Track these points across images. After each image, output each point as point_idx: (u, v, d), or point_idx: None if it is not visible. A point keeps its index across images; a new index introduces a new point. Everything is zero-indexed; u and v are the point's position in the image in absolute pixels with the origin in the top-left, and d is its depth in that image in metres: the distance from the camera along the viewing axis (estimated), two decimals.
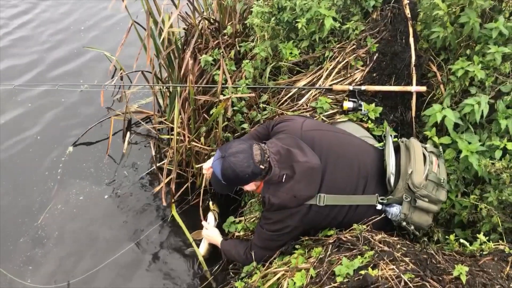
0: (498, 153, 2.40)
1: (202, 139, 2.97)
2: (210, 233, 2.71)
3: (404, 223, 2.20)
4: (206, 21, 3.25)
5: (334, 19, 2.71)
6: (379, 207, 2.21)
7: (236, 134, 2.91)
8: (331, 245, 1.93)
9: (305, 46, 2.82)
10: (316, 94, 2.76)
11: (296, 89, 2.78)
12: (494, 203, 2.30)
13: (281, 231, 2.16)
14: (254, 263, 2.26)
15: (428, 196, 2.17)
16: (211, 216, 2.87)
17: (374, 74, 2.72)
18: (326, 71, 2.79)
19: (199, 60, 3.04)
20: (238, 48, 2.99)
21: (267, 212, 2.17)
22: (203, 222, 2.84)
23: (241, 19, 3.19)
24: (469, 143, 2.48)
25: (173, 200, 3.01)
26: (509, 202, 2.26)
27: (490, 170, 2.31)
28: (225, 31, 3.10)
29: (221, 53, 3.05)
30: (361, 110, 2.65)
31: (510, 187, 2.28)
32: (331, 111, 2.68)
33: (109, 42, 5.08)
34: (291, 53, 2.81)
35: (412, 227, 2.22)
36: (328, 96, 2.73)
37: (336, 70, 2.78)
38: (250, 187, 2.20)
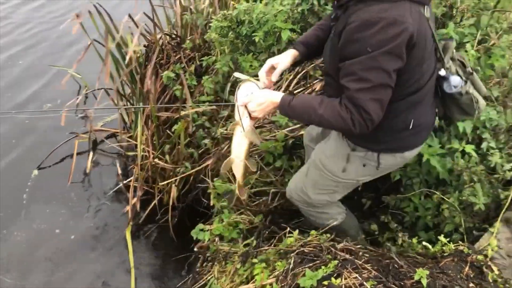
0: (458, 155, 2.46)
1: (167, 156, 2.94)
2: (261, 95, 1.80)
3: (467, 88, 1.91)
4: (167, 37, 3.25)
5: (292, 30, 2.74)
6: (442, 72, 1.86)
7: (200, 150, 2.89)
8: (293, 258, 1.92)
9: (265, 58, 2.84)
10: None
11: None
12: (455, 203, 2.35)
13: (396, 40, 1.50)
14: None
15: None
16: (248, 84, 1.87)
17: None
18: (285, 82, 2.81)
19: (161, 76, 3.02)
20: (198, 62, 2.99)
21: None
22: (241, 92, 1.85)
23: (202, 33, 3.20)
24: (430, 146, 2.53)
25: (130, 223, 2.95)
26: (469, 202, 2.31)
27: (454, 168, 2.37)
28: (184, 45, 3.09)
29: (183, 68, 3.04)
30: None
31: (469, 187, 2.33)
32: (292, 127, 2.70)
33: (72, 59, 4.99)
34: (251, 65, 2.82)
35: (471, 94, 1.94)
36: None
37: (296, 80, 2.81)
38: None
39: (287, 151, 2.84)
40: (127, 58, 3.05)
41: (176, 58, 3.09)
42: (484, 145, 2.47)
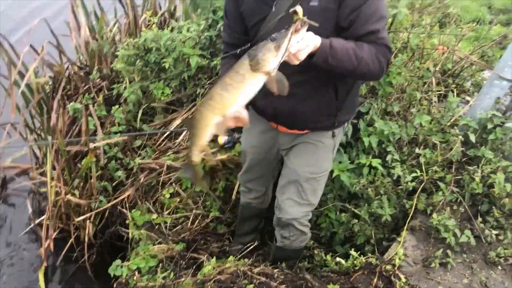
0: (365, 170, 2.58)
1: (77, 191, 2.80)
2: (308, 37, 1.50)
3: None
4: (75, 66, 3.13)
5: (202, 56, 2.75)
6: None
7: (114, 183, 2.79)
8: (210, 287, 1.90)
9: (176, 85, 2.83)
10: None
11: (168, 131, 2.76)
12: (366, 216, 2.46)
13: None
14: None
15: None
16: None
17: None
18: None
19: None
20: (106, 92, 2.90)
21: None
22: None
23: (111, 61, 3.12)
24: (340, 162, 2.63)
25: (44, 265, 2.77)
26: (378, 214, 2.42)
27: (361, 183, 2.47)
28: (91, 76, 3.00)
29: (92, 98, 2.94)
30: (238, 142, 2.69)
31: (377, 200, 2.45)
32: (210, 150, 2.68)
33: None
34: (163, 92, 2.79)
35: None
36: None
37: None
38: None
39: (207, 174, 2.83)
40: (20, 89, 2.89)
41: (84, 88, 2.98)
42: (389, 157, 2.61)
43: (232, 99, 1.50)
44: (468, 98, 3.48)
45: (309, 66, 1.54)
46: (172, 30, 2.78)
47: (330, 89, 1.81)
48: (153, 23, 2.89)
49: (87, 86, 3.01)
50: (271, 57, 1.42)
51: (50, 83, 3.25)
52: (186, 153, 1.69)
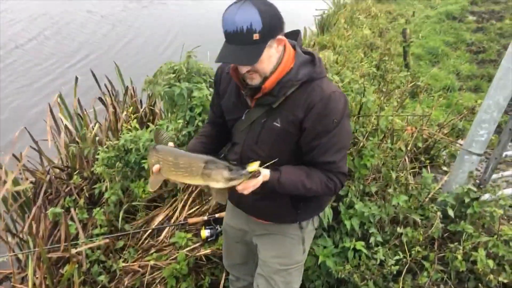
0: (350, 254, 2.57)
1: None
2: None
3: None
4: (56, 169, 3.18)
5: None
6: None
7: (98, 286, 2.73)
8: None
9: None
10: (173, 228, 2.77)
11: (150, 230, 2.76)
12: None
13: (347, 104, 1.71)
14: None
15: None
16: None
17: None
18: (181, 202, 2.83)
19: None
20: (87, 195, 2.93)
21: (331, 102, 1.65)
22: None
23: (92, 163, 3.18)
24: (325, 247, 2.62)
25: None
26: None
27: (346, 269, 2.46)
28: (72, 181, 3.04)
29: (74, 200, 2.96)
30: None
31: (363, 286, 2.43)
32: (192, 246, 2.68)
33: None
34: (143, 190, 2.83)
35: None
36: (187, 228, 2.75)
37: (191, 199, 2.84)
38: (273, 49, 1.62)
39: (192, 270, 2.79)
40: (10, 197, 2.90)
41: (65, 191, 3.01)
42: (372, 240, 2.63)
43: (175, 176, 1.67)
44: (445, 168, 3.58)
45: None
46: (151, 131, 2.87)
47: (287, 197, 1.85)
48: (134, 125, 2.99)
49: (68, 188, 3.04)
50: (220, 181, 1.57)
51: (31, 187, 3.27)
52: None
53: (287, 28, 1.65)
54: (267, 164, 1.58)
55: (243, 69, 1.61)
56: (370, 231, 2.65)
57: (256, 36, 1.51)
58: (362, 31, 8.75)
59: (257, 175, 1.55)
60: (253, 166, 1.54)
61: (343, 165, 1.73)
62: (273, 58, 1.62)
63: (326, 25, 9.12)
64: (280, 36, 1.59)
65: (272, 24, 1.54)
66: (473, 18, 10.49)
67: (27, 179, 3.23)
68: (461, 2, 11.93)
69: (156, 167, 1.70)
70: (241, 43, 1.51)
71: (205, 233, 2.68)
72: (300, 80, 1.65)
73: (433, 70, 7.43)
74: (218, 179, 1.56)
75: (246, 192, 1.58)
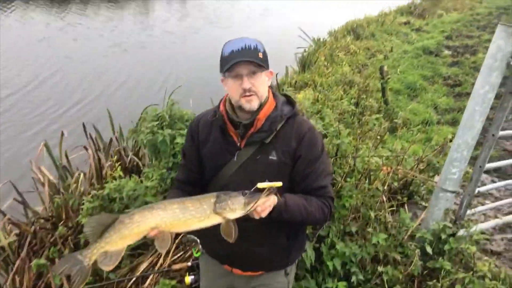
0: None
1: None
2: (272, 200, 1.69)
3: None
4: (41, 220, 3.20)
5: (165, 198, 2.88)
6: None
7: None
8: None
9: None
10: (158, 275, 2.79)
11: (134, 278, 2.78)
12: None
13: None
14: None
15: None
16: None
17: None
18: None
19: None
20: (72, 245, 2.95)
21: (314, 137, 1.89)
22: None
23: (77, 213, 3.20)
24: None
25: None
26: None
27: None
28: (56, 233, 3.06)
29: (59, 249, 2.97)
30: None
31: None
32: None
33: None
34: None
35: None
36: (171, 275, 2.77)
37: (175, 245, 2.88)
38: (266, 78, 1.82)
39: None
40: None
41: (50, 241, 3.02)
42: (353, 279, 2.68)
43: (184, 223, 1.61)
44: (424, 203, 3.67)
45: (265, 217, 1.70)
46: (135, 179, 2.93)
47: (282, 232, 1.94)
48: (118, 173, 3.04)
49: (53, 238, 3.05)
50: (238, 209, 1.58)
51: (15, 240, 3.27)
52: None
53: (271, 66, 1.82)
54: (273, 183, 1.63)
55: (247, 84, 1.73)
56: (352, 270, 2.70)
57: (260, 55, 1.72)
58: (341, 68, 9.03)
59: (272, 191, 1.61)
60: (263, 184, 1.60)
61: (331, 190, 1.91)
62: (265, 87, 1.82)
63: (307, 63, 9.38)
64: (271, 70, 1.82)
65: (266, 55, 1.76)
66: (448, 52, 10.90)
67: (11, 231, 3.23)
68: (436, 37, 12.42)
69: (154, 231, 1.61)
70: (249, 56, 1.69)
71: (189, 279, 2.70)
72: (286, 115, 1.84)
73: (412, 105, 7.65)
74: (235, 208, 1.58)
75: (263, 214, 1.63)
